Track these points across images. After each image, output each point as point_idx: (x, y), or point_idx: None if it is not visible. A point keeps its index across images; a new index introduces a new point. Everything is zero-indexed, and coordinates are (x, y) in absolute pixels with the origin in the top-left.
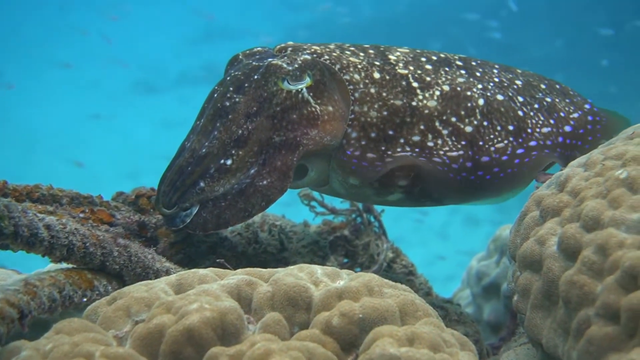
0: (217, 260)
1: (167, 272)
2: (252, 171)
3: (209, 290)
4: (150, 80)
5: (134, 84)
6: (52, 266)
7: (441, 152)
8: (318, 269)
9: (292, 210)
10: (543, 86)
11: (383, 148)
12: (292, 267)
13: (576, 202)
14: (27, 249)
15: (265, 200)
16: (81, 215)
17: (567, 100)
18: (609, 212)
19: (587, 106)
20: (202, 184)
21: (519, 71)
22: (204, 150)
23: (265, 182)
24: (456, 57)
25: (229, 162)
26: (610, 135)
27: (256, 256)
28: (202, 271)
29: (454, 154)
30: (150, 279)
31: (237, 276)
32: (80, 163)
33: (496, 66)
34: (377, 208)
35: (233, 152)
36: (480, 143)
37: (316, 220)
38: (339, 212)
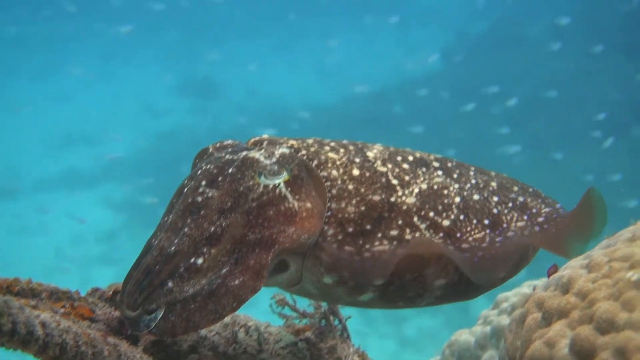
0: None
1: None
2: (224, 271)
3: None
4: (6, 185)
5: None
6: None
7: None
8: None
9: None
10: (516, 188)
11: (361, 242)
12: None
13: (585, 304)
14: (22, 347)
15: (237, 300)
16: (61, 310)
17: (539, 200)
18: (624, 315)
19: (558, 205)
20: (170, 284)
21: (493, 174)
22: (173, 248)
23: (237, 282)
24: (432, 158)
25: (199, 261)
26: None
27: (236, 356)
28: None
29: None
30: None
31: None
32: None
33: (472, 168)
34: (345, 313)
35: (204, 250)
36: (458, 235)
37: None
38: (307, 315)
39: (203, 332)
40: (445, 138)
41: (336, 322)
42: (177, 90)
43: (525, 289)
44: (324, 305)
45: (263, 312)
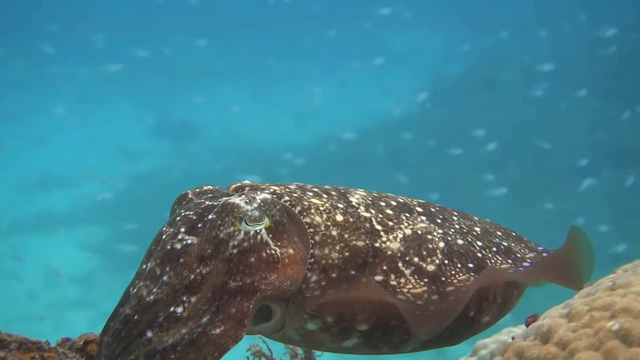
0: None
1: None
2: (205, 319)
3: None
4: None
5: None
6: None
7: (404, 290)
8: None
9: None
10: (499, 233)
11: (345, 287)
12: None
13: (566, 354)
14: None
15: (218, 350)
16: None
17: (522, 245)
18: None
19: (540, 248)
20: (149, 334)
21: (477, 218)
22: (152, 297)
23: (218, 331)
24: (415, 203)
25: (179, 310)
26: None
27: None
28: None
29: (418, 290)
30: None
31: None
32: None
33: (455, 213)
34: None
35: (184, 298)
36: (443, 279)
37: None
38: None
39: None
40: (427, 181)
41: None
42: (156, 133)
43: (504, 336)
44: (300, 353)
45: (242, 357)
